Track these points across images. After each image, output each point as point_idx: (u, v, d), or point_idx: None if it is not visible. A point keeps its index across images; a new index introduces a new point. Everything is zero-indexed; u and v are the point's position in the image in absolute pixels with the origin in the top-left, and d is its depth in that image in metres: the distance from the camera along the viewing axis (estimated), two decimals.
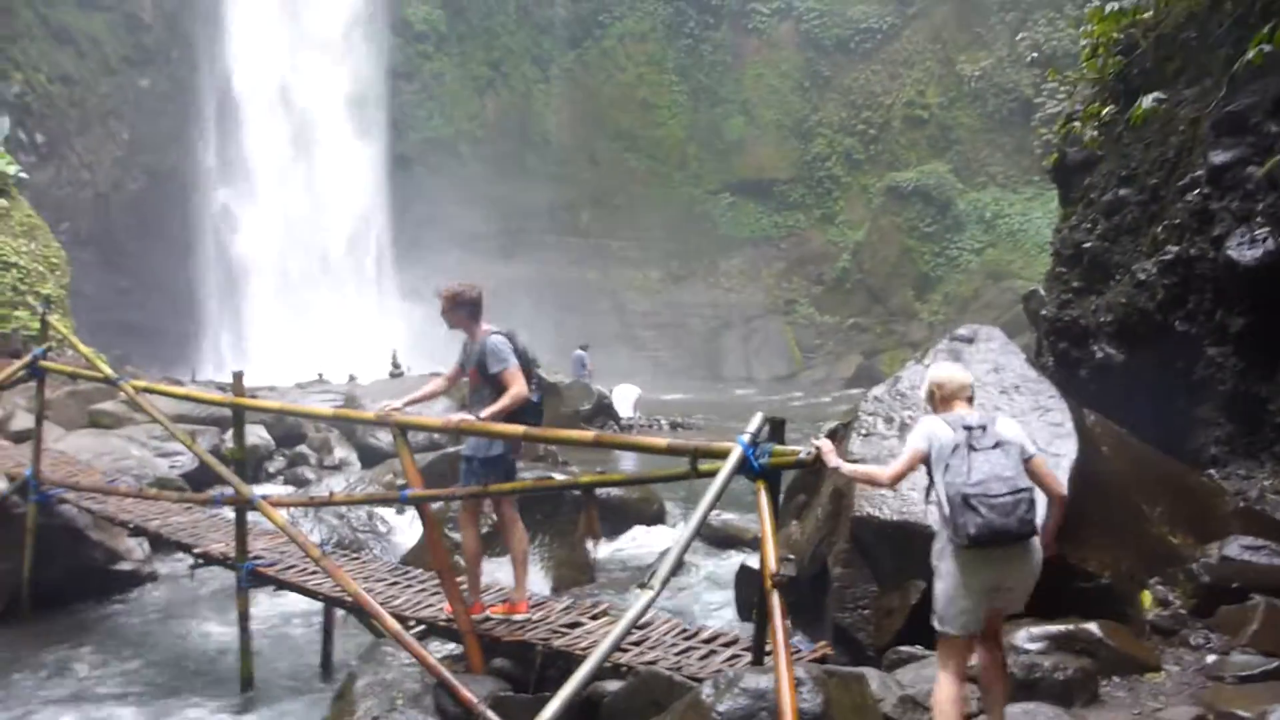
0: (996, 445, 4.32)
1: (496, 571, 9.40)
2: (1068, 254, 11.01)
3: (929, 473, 4.46)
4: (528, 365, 6.45)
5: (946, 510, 4.28)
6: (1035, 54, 35.24)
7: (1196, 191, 8.42)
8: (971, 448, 4.31)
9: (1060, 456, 6.08)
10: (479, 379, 6.50)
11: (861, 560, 6.35)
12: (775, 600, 4.16)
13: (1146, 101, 9.12)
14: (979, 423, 4.42)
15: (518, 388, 6.24)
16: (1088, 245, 10.40)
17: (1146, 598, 6.08)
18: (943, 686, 4.40)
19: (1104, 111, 10.51)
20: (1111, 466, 6.76)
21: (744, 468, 4.55)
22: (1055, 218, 14.89)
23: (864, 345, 40.72)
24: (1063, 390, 7.05)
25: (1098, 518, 6.06)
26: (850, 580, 6.37)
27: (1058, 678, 4.95)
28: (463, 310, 6.60)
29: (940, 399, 4.67)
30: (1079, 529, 5.85)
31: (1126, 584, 6.02)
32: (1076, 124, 11.29)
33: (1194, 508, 6.98)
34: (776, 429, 4.74)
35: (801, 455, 4.60)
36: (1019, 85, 39.86)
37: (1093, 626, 5.40)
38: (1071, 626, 5.38)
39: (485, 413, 6.19)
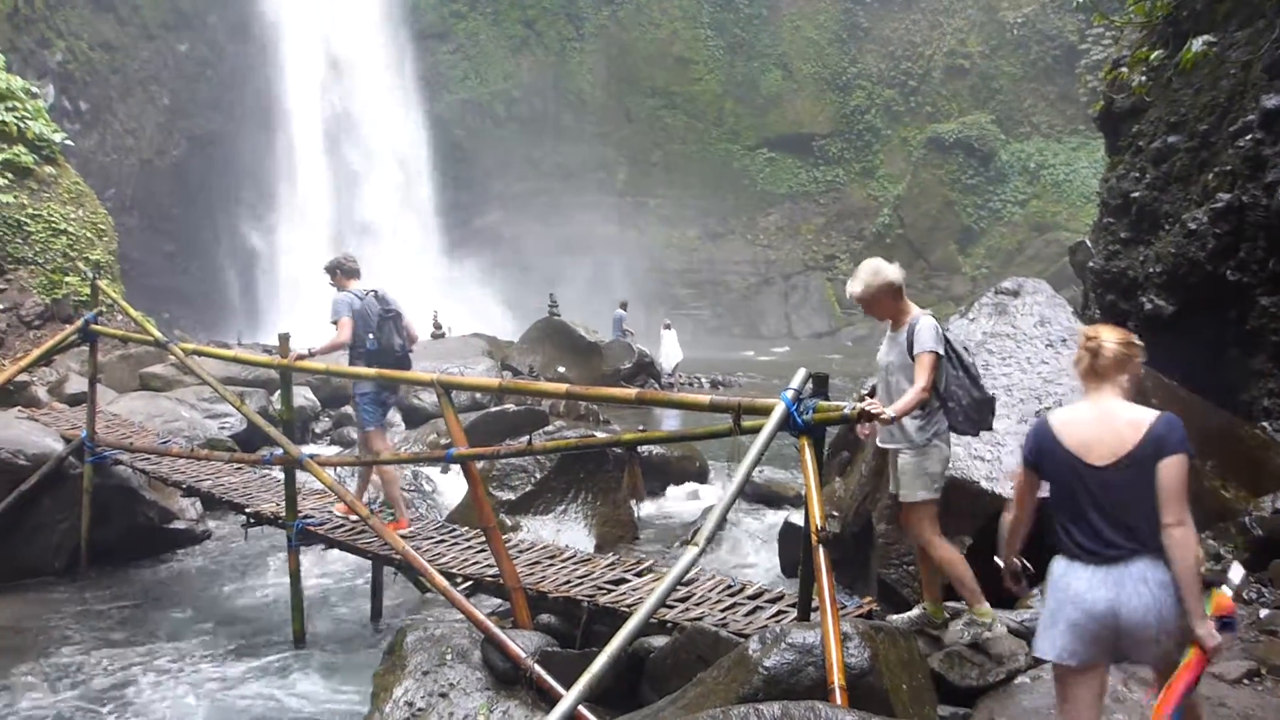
0: None
1: (541, 530, 9.52)
2: (1115, 204, 10.79)
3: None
4: (382, 317, 7.96)
5: (967, 405, 4.97)
6: None
7: (1249, 137, 8.20)
8: None
9: None
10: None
11: None
12: (821, 556, 4.16)
13: (1196, 45, 8.85)
14: None
15: (337, 336, 7.97)
16: (1136, 194, 10.19)
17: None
18: (947, 548, 5.01)
19: (1152, 56, 10.24)
20: None
21: (788, 424, 4.52)
22: (1101, 167, 14.61)
23: None
24: None
25: None
26: (895, 536, 6.35)
27: None
28: (332, 275, 8.30)
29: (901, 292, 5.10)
30: None
31: None
32: (1124, 70, 11.02)
33: (1246, 461, 6.88)
34: (820, 384, 4.70)
35: (846, 410, 4.57)
36: (1063, 32, 39.04)
37: None
38: None
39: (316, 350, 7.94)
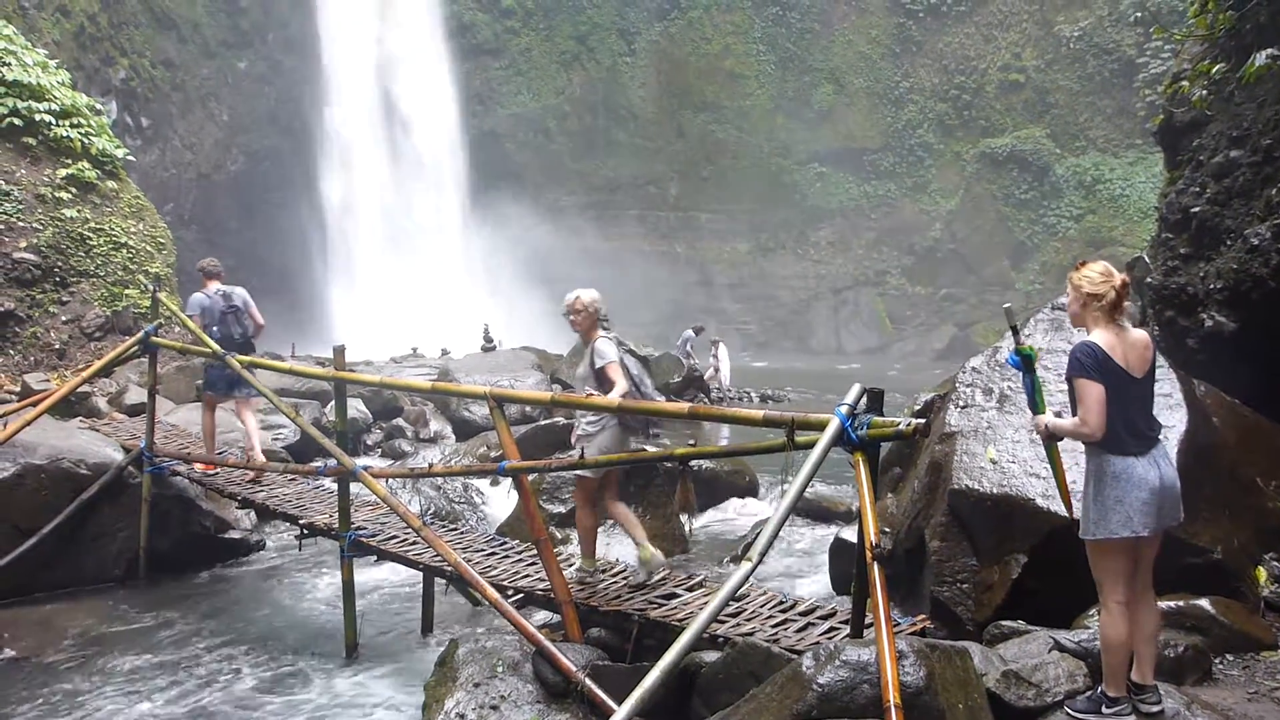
0: None
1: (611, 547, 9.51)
2: (1175, 219, 10.61)
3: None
4: (223, 312, 9.79)
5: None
6: (1139, 12, 33.98)
7: None
8: None
9: (1169, 428, 5.88)
10: None
11: (960, 533, 6.24)
12: (876, 572, 4.12)
13: (1260, 58, 8.69)
14: None
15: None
16: (1196, 210, 10.00)
17: (1261, 574, 5.87)
18: (585, 517, 6.79)
19: (1214, 70, 10.05)
20: (1223, 438, 6.53)
21: (842, 439, 4.49)
22: (1160, 182, 14.36)
23: (957, 316, 39.94)
24: (1170, 360, 6.81)
25: (1209, 491, 5.87)
26: (949, 554, 6.27)
27: (1168, 655, 4.80)
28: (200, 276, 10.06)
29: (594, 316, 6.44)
30: (1189, 502, 5.67)
31: (1239, 559, 5.81)
32: (1184, 83, 10.83)
33: None
34: (875, 400, 4.66)
35: (901, 426, 4.52)
36: (1121, 45, 38.49)
37: (1204, 603, 5.24)
38: (1182, 603, 5.23)
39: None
